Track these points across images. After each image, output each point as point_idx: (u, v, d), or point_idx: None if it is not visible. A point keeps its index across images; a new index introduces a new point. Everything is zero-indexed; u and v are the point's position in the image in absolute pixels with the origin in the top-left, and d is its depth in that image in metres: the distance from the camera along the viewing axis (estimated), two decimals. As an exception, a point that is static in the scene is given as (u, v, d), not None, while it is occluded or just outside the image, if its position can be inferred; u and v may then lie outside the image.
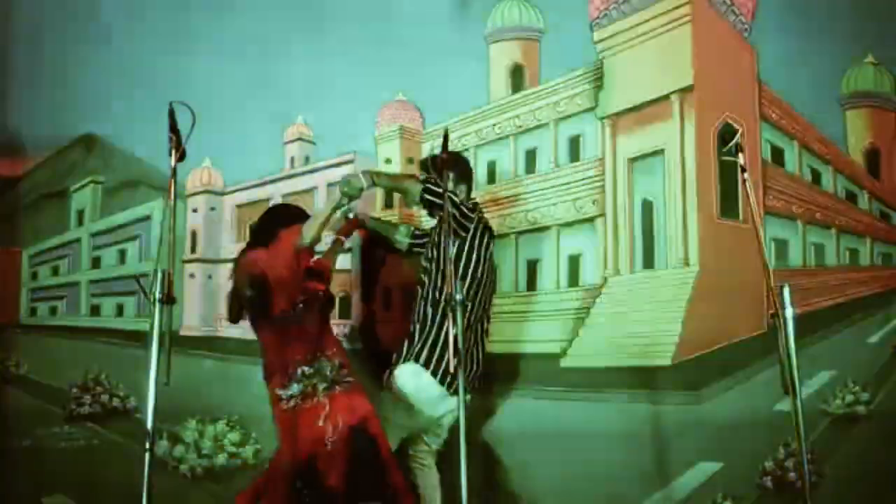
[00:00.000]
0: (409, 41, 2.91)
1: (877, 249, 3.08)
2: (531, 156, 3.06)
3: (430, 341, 2.10)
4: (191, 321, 3.04)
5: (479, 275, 2.17)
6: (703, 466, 2.65)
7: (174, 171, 1.69)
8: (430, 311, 2.12)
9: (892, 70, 3.03)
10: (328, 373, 1.97)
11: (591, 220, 2.92)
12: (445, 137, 1.79)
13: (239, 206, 3.15)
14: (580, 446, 2.56)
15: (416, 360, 2.10)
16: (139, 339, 2.75)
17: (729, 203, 2.89)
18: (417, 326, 2.14)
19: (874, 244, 3.09)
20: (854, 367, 2.78)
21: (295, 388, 1.92)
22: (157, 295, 1.61)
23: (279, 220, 2.08)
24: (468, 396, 1.83)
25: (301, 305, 1.96)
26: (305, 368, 1.94)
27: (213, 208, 3.11)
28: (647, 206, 2.91)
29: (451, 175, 2.09)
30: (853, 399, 2.75)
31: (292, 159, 3.13)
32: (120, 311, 3.13)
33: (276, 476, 1.98)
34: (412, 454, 2.19)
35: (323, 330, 2.03)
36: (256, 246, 2.06)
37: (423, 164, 2.19)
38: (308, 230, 1.99)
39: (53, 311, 3.17)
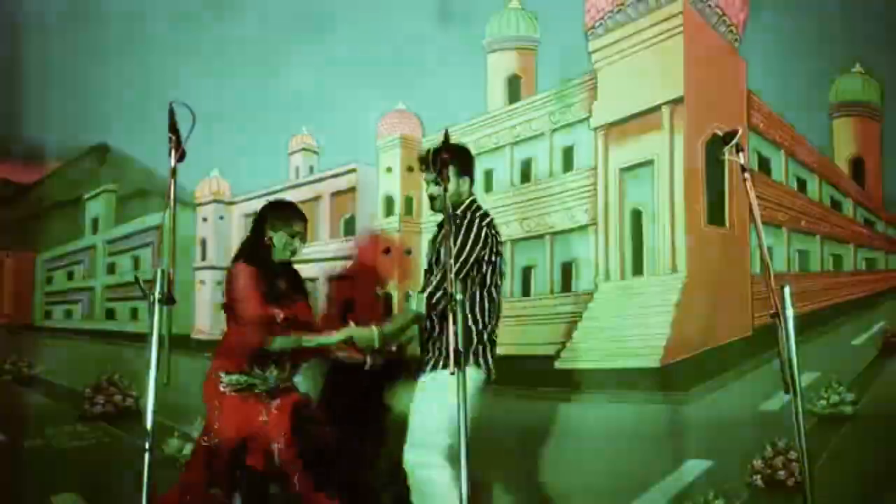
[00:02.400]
0: (409, 52, 2.97)
1: (861, 255, 3.15)
2: (527, 165, 3.13)
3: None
4: (201, 324, 3.13)
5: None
6: (694, 464, 2.71)
7: (174, 171, 1.68)
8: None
9: (880, 80, 3.10)
10: (272, 382, 1.98)
11: (583, 228, 3.00)
12: (446, 137, 1.75)
13: (247, 216, 3.23)
14: (572, 445, 2.62)
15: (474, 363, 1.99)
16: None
17: (715, 211, 2.96)
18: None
19: (858, 250, 3.16)
20: (839, 369, 2.84)
21: (235, 378, 1.97)
22: (157, 295, 1.59)
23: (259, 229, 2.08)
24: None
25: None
26: (256, 370, 1.97)
27: (221, 217, 3.20)
28: (637, 215, 2.99)
29: (453, 168, 1.98)
30: (838, 399, 2.81)
31: (297, 169, 3.22)
32: (134, 314, 3.22)
33: (198, 452, 1.97)
34: (421, 461, 1.92)
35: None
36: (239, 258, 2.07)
37: (423, 160, 2.04)
38: (289, 343, 1.99)
39: (69, 314, 3.25)
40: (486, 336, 2.01)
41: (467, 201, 2.07)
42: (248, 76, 3.00)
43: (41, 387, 2.99)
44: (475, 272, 1.99)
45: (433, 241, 2.17)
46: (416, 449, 1.88)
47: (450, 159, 1.86)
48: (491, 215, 2.07)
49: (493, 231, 2.03)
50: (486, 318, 2.01)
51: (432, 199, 2.08)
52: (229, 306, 1.99)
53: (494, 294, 2.03)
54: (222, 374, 1.98)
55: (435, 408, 1.86)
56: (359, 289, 2.37)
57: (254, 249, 2.03)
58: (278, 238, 2.02)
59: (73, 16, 3.08)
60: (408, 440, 1.90)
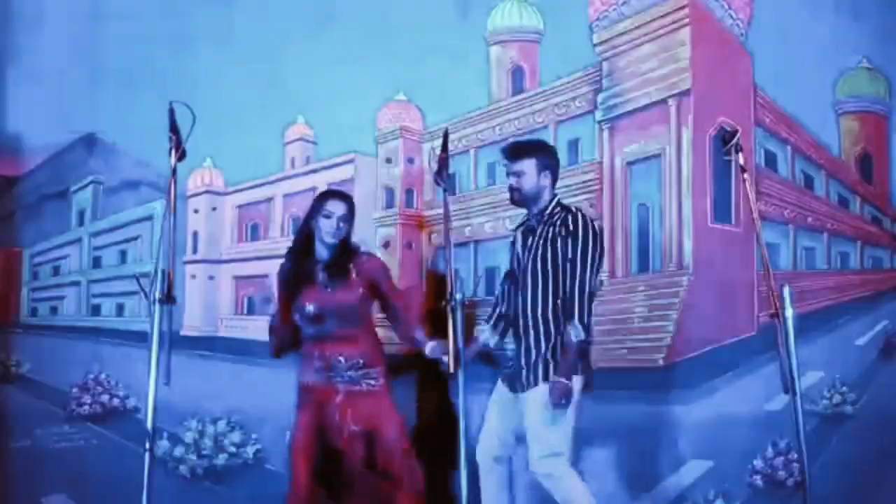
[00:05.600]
0: (409, 41, 2.91)
1: (867, 253, 3.13)
2: (530, 158, 3.07)
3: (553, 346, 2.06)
4: (192, 322, 3.05)
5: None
6: (695, 464, 2.69)
7: (174, 170, 1.69)
8: (550, 315, 2.05)
9: (886, 75, 3.06)
10: (344, 371, 2.07)
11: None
12: (445, 137, 1.78)
13: (240, 207, 3.16)
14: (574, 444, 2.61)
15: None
16: (139, 338, 2.75)
17: (722, 208, 2.92)
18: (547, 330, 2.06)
19: (865, 248, 3.14)
20: (842, 369, 2.83)
21: (310, 377, 2.11)
22: (157, 295, 1.61)
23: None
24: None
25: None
26: (319, 363, 2.08)
27: (214, 209, 3.11)
28: (643, 210, 2.95)
29: (535, 162, 2.07)
30: (841, 399, 2.81)
31: (293, 160, 3.14)
32: (120, 310, 3.13)
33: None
34: (554, 472, 2.00)
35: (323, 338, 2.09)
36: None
37: (506, 152, 2.13)
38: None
39: (54, 310, 3.16)
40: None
41: (553, 200, 2.11)
42: (243, 64, 2.91)
43: (29, 386, 2.92)
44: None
45: (514, 244, 2.19)
46: (548, 460, 1.99)
47: (530, 152, 2.05)
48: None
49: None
50: (590, 326, 2.06)
51: (512, 191, 2.11)
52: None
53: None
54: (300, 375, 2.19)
55: (558, 419, 1.98)
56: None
57: (295, 242, 2.11)
58: (317, 226, 2.06)
59: (62, 3, 2.97)
60: (535, 452, 1.99)
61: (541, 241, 2.08)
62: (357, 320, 2.10)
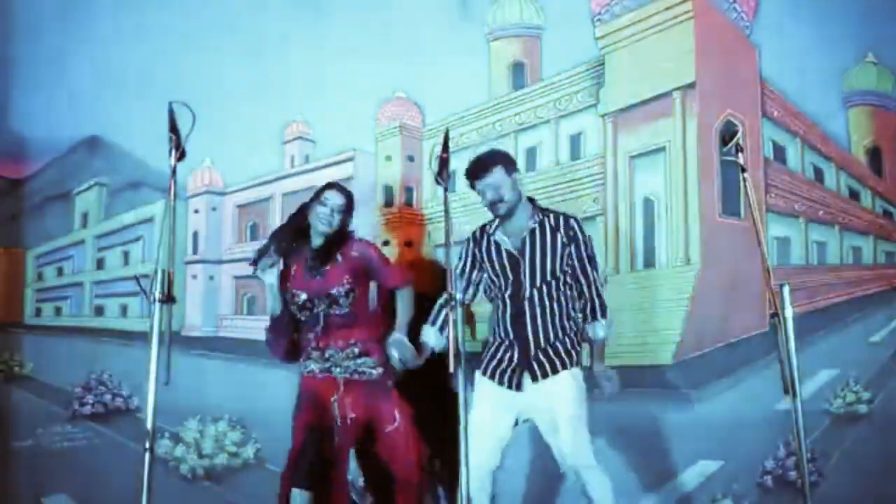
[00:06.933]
0: (409, 38, 2.91)
1: (880, 248, 3.06)
2: (532, 153, 3.05)
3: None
4: (192, 321, 3.05)
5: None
6: (704, 465, 2.65)
7: (174, 170, 1.70)
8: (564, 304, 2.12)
9: (893, 70, 3.01)
10: (341, 360, 2.07)
11: (592, 218, 2.92)
12: (446, 137, 1.77)
13: (240, 206, 3.16)
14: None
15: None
16: (142, 339, 2.76)
17: (730, 201, 2.88)
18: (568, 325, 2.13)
19: (877, 242, 3.07)
20: (856, 366, 2.77)
21: (309, 366, 2.11)
22: (157, 294, 1.61)
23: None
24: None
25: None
26: (315, 353, 2.09)
27: (214, 208, 3.12)
28: (649, 204, 2.91)
29: (503, 168, 2.12)
30: (854, 398, 2.75)
31: (292, 158, 3.14)
32: (124, 311, 3.14)
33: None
34: (587, 464, 2.06)
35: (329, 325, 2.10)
36: None
37: (474, 170, 2.15)
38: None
39: (58, 311, 3.19)
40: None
41: (525, 200, 2.17)
42: (242, 63, 2.92)
43: (31, 386, 2.94)
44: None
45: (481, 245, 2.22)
46: (588, 451, 2.04)
47: (494, 161, 2.10)
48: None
49: None
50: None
51: (496, 204, 2.12)
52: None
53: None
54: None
55: (583, 412, 2.05)
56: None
57: (288, 219, 2.16)
58: (313, 213, 2.07)
59: (63, 4, 3.00)
60: (575, 442, 2.02)
61: (551, 240, 2.11)
62: (348, 306, 2.08)
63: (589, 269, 2.11)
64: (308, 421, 2.04)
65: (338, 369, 2.07)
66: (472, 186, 2.15)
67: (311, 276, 2.08)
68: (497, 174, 2.10)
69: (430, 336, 2.14)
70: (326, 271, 2.08)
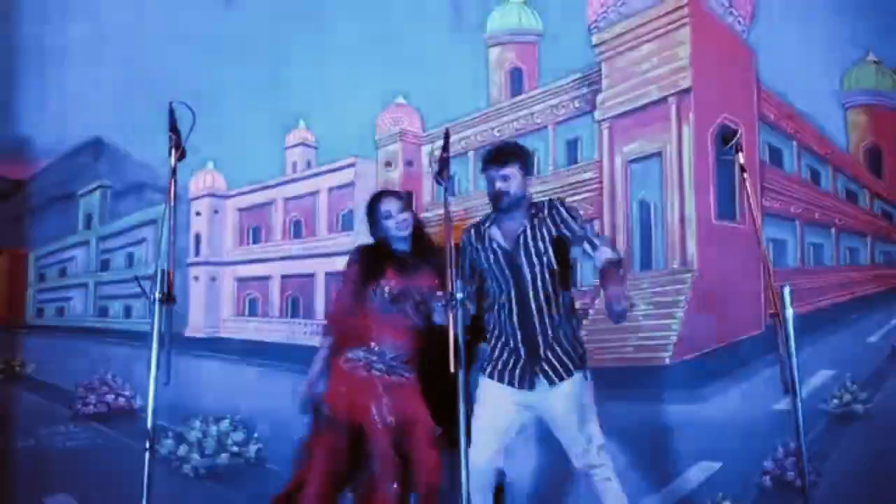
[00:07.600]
0: (408, 45, 2.94)
1: (878, 248, 3.07)
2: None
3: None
4: (195, 323, 3.08)
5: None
6: (703, 466, 2.65)
7: (174, 170, 1.71)
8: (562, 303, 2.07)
9: (893, 69, 3.03)
10: (383, 358, 2.09)
11: (588, 222, 2.94)
12: (446, 137, 1.77)
13: (241, 210, 3.19)
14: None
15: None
16: (145, 339, 2.78)
17: (726, 205, 2.90)
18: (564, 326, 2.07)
19: (875, 243, 3.09)
20: (853, 367, 2.78)
21: (356, 353, 2.10)
22: (157, 294, 1.62)
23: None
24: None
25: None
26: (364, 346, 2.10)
27: (216, 211, 3.15)
28: (645, 208, 2.93)
29: (520, 166, 2.08)
30: (851, 398, 2.75)
31: (294, 164, 3.17)
32: (128, 312, 3.17)
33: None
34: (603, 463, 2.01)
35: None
36: None
37: (492, 157, 2.10)
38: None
39: (60, 312, 3.21)
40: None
41: (526, 203, 2.13)
42: (245, 68, 2.96)
43: (33, 386, 2.96)
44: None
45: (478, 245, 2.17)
46: (603, 452, 2.01)
47: (516, 157, 2.08)
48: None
49: None
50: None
51: (500, 195, 2.09)
52: None
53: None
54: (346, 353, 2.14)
55: (594, 411, 2.02)
56: None
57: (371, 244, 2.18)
58: (382, 228, 2.14)
59: (66, 8, 3.04)
60: (589, 443, 1.99)
61: (541, 235, 2.08)
62: (424, 311, 2.11)
63: (587, 227, 2.06)
64: (334, 443, 2.02)
65: (381, 366, 2.08)
66: (484, 170, 2.13)
67: (404, 273, 2.11)
68: (513, 168, 2.08)
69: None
70: (419, 271, 2.12)
